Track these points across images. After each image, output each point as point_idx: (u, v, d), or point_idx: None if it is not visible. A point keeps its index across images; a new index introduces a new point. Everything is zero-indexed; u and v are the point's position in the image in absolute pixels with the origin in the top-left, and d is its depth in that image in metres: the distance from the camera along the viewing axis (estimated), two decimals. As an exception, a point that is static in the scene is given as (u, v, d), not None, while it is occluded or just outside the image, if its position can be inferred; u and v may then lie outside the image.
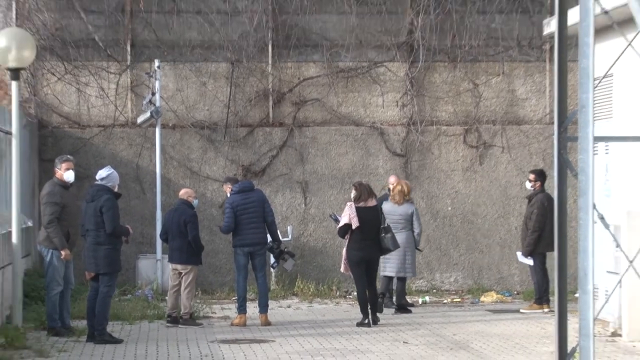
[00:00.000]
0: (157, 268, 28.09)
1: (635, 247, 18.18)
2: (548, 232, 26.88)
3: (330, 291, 29.63)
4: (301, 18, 31.57)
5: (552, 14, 21.26)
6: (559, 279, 17.90)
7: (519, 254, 29.79)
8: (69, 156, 25.47)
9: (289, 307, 29.36)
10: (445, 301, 30.83)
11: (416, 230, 29.18)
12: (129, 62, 30.86)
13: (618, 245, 20.05)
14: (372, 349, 22.50)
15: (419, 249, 29.78)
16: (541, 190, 28.82)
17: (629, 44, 17.61)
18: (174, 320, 26.08)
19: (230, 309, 27.88)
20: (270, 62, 31.11)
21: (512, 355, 21.74)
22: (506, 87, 33.27)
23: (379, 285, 29.48)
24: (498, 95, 32.26)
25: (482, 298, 31.00)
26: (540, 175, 28.87)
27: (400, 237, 27.99)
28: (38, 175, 27.20)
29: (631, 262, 16.94)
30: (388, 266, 29.01)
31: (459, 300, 31.13)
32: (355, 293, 28.05)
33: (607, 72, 18.64)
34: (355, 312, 26.95)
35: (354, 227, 26.10)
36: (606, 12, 17.85)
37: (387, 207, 28.45)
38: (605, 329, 23.04)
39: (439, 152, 31.66)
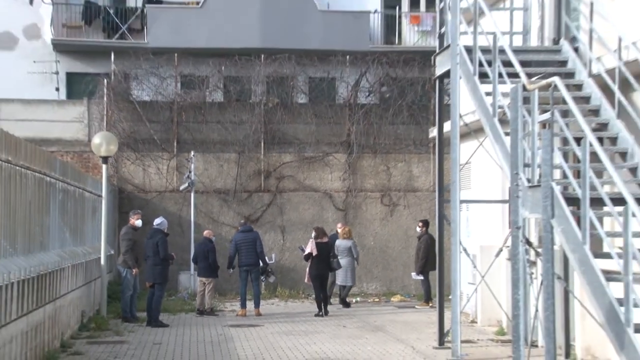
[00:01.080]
0: (190, 280, 28.42)
1: (485, 267, 20.05)
2: (431, 258, 26.53)
3: (298, 294, 30.24)
4: (282, 126, 32.58)
5: (434, 125, 22.65)
6: (439, 287, 19.93)
7: (413, 274, 29.46)
8: (138, 210, 26.46)
9: (272, 304, 29.14)
10: (369, 301, 30.37)
11: (355, 255, 28.76)
12: (175, 153, 31.64)
13: (475, 266, 20.80)
14: (324, 330, 23.06)
15: (357, 264, 29.65)
16: (426, 232, 28.96)
17: (480, 144, 19.30)
18: (201, 312, 26.65)
19: (235, 305, 27.71)
20: (262, 152, 31.82)
21: (411, 333, 22.07)
22: (407, 169, 33.10)
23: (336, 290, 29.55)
24: (402, 174, 33.06)
25: (392, 299, 30.73)
26: (426, 223, 29.18)
27: (344, 261, 27.89)
28: (118, 222, 27.86)
29: (483, 277, 18.80)
30: (338, 279, 28.95)
31: (377, 300, 30.69)
32: (314, 295, 27.75)
33: (467, 160, 20.55)
34: (314, 308, 27.06)
35: (314, 254, 26.60)
36: (467, 125, 19.65)
37: (337, 242, 28.31)
38: (467, 318, 23.38)
39: (365, 208, 32.30)
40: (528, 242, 14.91)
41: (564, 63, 17.37)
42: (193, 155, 31.55)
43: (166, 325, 23.52)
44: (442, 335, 19.32)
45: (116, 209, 28.99)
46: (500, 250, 19.50)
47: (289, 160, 32.81)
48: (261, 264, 27.18)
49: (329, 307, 27.34)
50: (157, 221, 25.18)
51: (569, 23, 17.92)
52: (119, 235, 26.46)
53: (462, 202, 19.95)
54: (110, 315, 25.19)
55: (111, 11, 39.53)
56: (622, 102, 15.28)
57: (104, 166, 26.61)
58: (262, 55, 34.85)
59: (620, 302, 11.21)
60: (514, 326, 14.56)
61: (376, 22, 41.19)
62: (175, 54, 34.90)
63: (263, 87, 34.05)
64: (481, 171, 22.37)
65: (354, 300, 29.80)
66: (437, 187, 20.58)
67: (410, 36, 40.72)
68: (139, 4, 39.88)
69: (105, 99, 33.07)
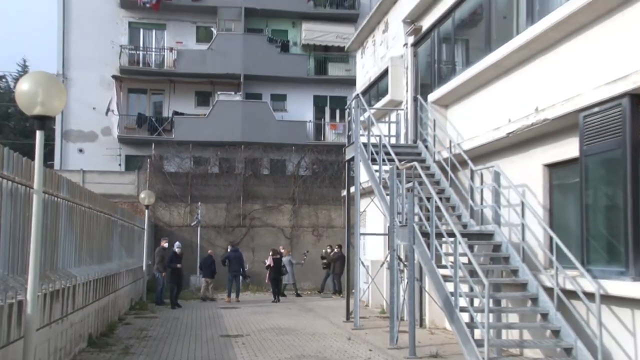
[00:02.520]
0: (197, 279, 27.89)
1: (374, 273, 20.11)
2: (342, 269, 25.73)
3: (262, 289, 29.25)
4: (253, 188, 32.05)
5: (344, 188, 22.51)
6: (347, 284, 19.48)
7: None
8: (165, 237, 26.26)
9: (246, 295, 27.65)
10: (307, 294, 29.26)
11: (294, 264, 28.17)
12: (188, 203, 30.94)
13: (368, 272, 20.59)
14: (277, 311, 22.24)
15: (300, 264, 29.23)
16: (340, 252, 27.06)
17: (372, 201, 19.18)
18: (203, 299, 25.84)
19: (224, 295, 26.30)
20: (241, 203, 31.24)
21: (329, 313, 21.42)
22: (328, 214, 32.59)
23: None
24: (325, 217, 32.40)
25: (323, 295, 28.88)
26: (340, 246, 27.40)
27: (289, 268, 27.48)
28: (153, 244, 27.53)
29: (372, 279, 18.63)
30: (286, 279, 27.63)
31: (309, 293, 29.52)
32: (272, 290, 26.53)
33: (364, 210, 20.45)
34: (271, 297, 26.12)
35: (271, 265, 26.20)
36: (364, 188, 19.66)
37: (284, 258, 27.25)
38: (363, 304, 21.85)
39: (303, 237, 31.54)
40: (399, 258, 15.23)
41: (419, 154, 17.40)
42: (199, 205, 31.33)
43: (180, 307, 23.14)
44: (348, 313, 19.29)
45: (152, 236, 28.53)
46: (383, 263, 19.31)
47: (257, 208, 32.37)
48: (243, 271, 26.82)
49: (283, 298, 26.80)
50: (177, 244, 25.04)
51: (421, 131, 18.12)
52: (154, 252, 26.02)
53: (361, 234, 20.14)
54: (148, 301, 24.67)
55: (153, 119, 39.51)
56: (452, 177, 15.73)
57: (146, 211, 26.43)
58: (242, 146, 34.88)
59: (452, 294, 11.61)
60: (391, 308, 14.76)
61: (310, 127, 41.09)
62: (190, 144, 34.59)
63: (242, 165, 33.98)
64: (372, 216, 21.85)
65: (298, 293, 28.81)
66: (346, 225, 20.70)
67: (330, 136, 40.70)
68: (170, 115, 39.70)
69: (147, 170, 32.82)
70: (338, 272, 27.99)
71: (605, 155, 10.55)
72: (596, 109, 10.63)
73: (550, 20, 11.84)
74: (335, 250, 28.59)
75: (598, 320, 10.25)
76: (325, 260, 29.33)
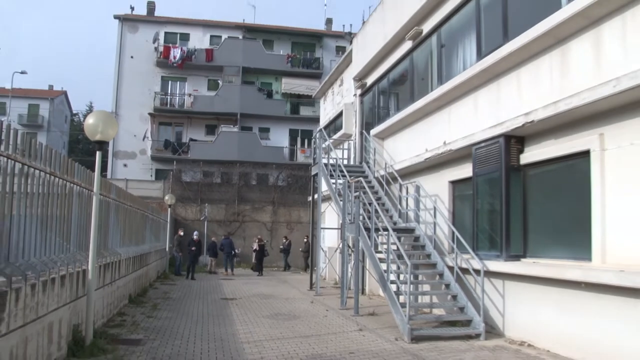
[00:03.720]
0: (206, 259, 27.23)
1: (330, 255, 20.10)
2: (309, 252, 24.23)
3: (249, 266, 28.23)
4: (245, 194, 32.22)
5: (310, 195, 22.37)
6: (311, 264, 19.15)
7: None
8: (182, 227, 26.49)
9: (239, 270, 27.08)
10: (282, 271, 27.78)
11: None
12: (199, 203, 30.43)
13: (326, 255, 20.83)
14: (261, 282, 21.66)
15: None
16: (308, 241, 26.20)
17: (329, 205, 19.04)
18: (209, 272, 25.57)
19: (223, 270, 25.74)
20: (236, 205, 30.77)
21: (298, 283, 21.10)
22: (298, 214, 32.27)
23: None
24: (296, 216, 32.24)
25: (292, 271, 28.40)
26: (307, 237, 26.21)
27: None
28: (173, 233, 27.32)
29: (329, 260, 18.47)
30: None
31: (284, 270, 28.33)
32: (257, 267, 25.73)
33: (324, 211, 20.54)
34: (256, 274, 25.52)
35: (257, 249, 26.01)
36: (324, 195, 19.60)
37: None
38: (322, 277, 21.91)
39: (280, 230, 31.22)
40: (348, 246, 15.35)
41: (364, 172, 17.35)
42: (206, 205, 31.25)
43: (194, 279, 22.65)
44: (311, 284, 19.15)
45: (172, 227, 28.17)
46: (337, 249, 19.28)
47: (248, 208, 32.16)
48: (233, 252, 26.73)
49: (265, 273, 26.42)
50: (195, 234, 24.78)
51: (365, 156, 18.21)
52: (174, 238, 25.70)
53: (321, 228, 20.21)
54: (170, 273, 24.55)
55: (175, 144, 39.85)
56: (386, 189, 15.93)
57: (169, 209, 26.54)
58: (238, 164, 34.96)
59: (385, 271, 11.82)
60: (342, 280, 14.80)
61: (286, 151, 41.44)
62: (201, 162, 34.65)
63: (237, 177, 33.87)
64: (330, 215, 21.58)
65: (287, 269, 28.81)
66: (311, 222, 20.79)
67: (301, 158, 40.83)
68: (187, 141, 40.04)
69: (170, 180, 32.73)
70: (305, 255, 27.36)
71: (488, 176, 10.79)
72: (483, 144, 10.93)
73: (453, 82, 12.18)
74: (305, 239, 28.02)
75: (482, 287, 10.56)
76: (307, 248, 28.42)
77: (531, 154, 10.09)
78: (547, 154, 9.63)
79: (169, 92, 41.67)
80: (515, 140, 10.29)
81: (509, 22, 10.51)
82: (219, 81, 41.79)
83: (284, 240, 29.48)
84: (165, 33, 42.57)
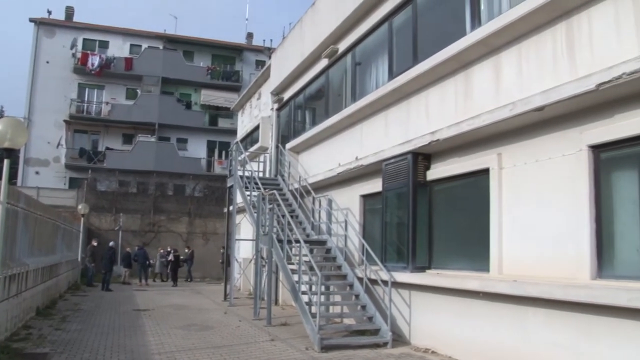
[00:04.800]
0: (120, 269, 26.75)
1: (244, 266, 19.88)
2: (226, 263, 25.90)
3: (155, 276, 28.00)
4: (161, 204, 31.71)
5: (227, 206, 22.07)
6: (225, 275, 18.87)
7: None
8: (95, 237, 25.46)
9: (153, 281, 26.42)
10: (196, 281, 27.48)
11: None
12: (114, 213, 29.80)
13: (240, 266, 20.47)
14: (175, 292, 21.50)
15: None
16: (224, 251, 25.51)
17: (244, 216, 18.64)
18: (123, 283, 24.61)
19: (137, 281, 25.38)
20: (152, 214, 30.42)
21: (213, 294, 20.87)
22: (214, 224, 31.66)
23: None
24: (212, 226, 31.60)
25: (206, 281, 28.09)
26: (224, 247, 25.36)
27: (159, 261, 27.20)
28: (86, 243, 26.11)
29: (243, 270, 18.24)
30: (157, 268, 27.50)
31: (199, 281, 27.99)
32: (172, 277, 26.04)
33: (239, 222, 20.36)
34: (172, 283, 25.54)
35: (172, 260, 25.88)
36: (239, 206, 19.38)
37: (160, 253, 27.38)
38: (237, 288, 21.24)
39: (196, 241, 30.58)
40: (262, 257, 15.28)
41: (278, 185, 17.38)
42: (121, 215, 30.37)
43: (111, 290, 21.71)
44: (225, 294, 18.80)
45: (85, 237, 27.21)
46: (251, 260, 18.82)
47: (163, 219, 31.45)
48: (148, 262, 26.23)
49: (180, 284, 25.91)
50: (111, 244, 24.19)
51: (281, 169, 18.23)
52: (87, 248, 24.58)
53: (236, 239, 20.08)
54: (82, 283, 23.63)
55: (91, 152, 38.55)
56: (300, 201, 15.96)
57: (82, 218, 25.57)
58: (154, 174, 34.41)
59: (296, 282, 11.82)
60: (255, 291, 14.61)
61: (204, 162, 40.89)
62: (117, 171, 33.89)
63: (154, 187, 33.32)
64: (245, 227, 21.35)
65: (188, 280, 27.94)
66: (227, 233, 20.60)
67: (218, 169, 40.38)
68: (103, 149, 38.75)
69: (85, 189, 31.56)
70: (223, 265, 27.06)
71: (397, 191, 11.05)
72: (392, 160, 11.19)
73: (365, 100, 12.43)
74: (222, 250, 27.55)
75: (389, 298, 10.76)
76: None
77: (437, 171, 10.43)
78: (451, 170, 9.99)
79: (86, 99, 40.32)
80: (423, 157, 10.61)
81: (419, 45, 10.86)
82: (138, 90, 40.89)
83: (187, 250, 28.68)
84: (84, 39, 41.18)
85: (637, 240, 6.56)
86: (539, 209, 7.89)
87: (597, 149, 7.10)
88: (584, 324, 6.77)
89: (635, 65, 6.10)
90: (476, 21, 9.15)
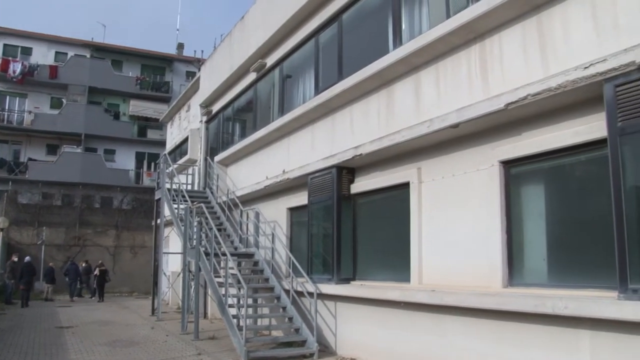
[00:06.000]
0: (42, 285, 25.87)
1: (173, 280, 19.59)
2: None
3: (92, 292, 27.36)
4: (87, 217, 30.84)
5: (154, 219, 21.83)
6: (153, 288, 18.54)
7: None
8: (16, 252, 24.35)
9: (82, 297, 25.57)
10: (124, 295, 27.28)
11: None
12: (36, 227, 28.72)
13: (169, 280, 20.11)
14: (101, 308, 21.08)
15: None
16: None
17: (172, 229, 18.44)
18: (45, 300, 23.71)
19: (60, 298, 24.63)
20: (77, 228, 29.65)
21: (140, 309, 20.49)
22: (142, 237, 30.74)
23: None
24: (141, 240, 30.97)
25: (134, 295, 27.73)
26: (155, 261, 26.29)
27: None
28: (6, 258, 25.40)
29: (172, 284, 17.94)
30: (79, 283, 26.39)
31: (127, 295, 27.62)
32: (98, 293, 25.00)
33: (167, 235, 20.02)
34: (98, 298, 24.94)
35: (97, 274, 25.12)
36: (167, 219, 19.00)
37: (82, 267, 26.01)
38: (165, 302, 21.20)
39: (124, 255, 30.27)
40: (190, 271, 15.09)
41: (207, 197, 17.25)
42: (44, 229, 29.29)
43: (28, 306, 21.08)
44: (153, 309, 18.50)
45: (5, 252, 26.15)
46: (179, 273, 18.59)
47: (89, 232, 30.49)
48: (78, 278, 25.52)
49: (107, 299, 25.15)
50: (27, 259, 23.16)
51: (209, 181, 18.07)
52: (6, 264, 23.50)
53: (164, 253, 19.71)
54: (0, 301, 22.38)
55: (12, 163, 36.54)
56: (228, 214, 15.90)
57: (0, 233, 24.64)
58: (80, 186, 33.37)
59: (224, 295, 11.77)
60: (182, 305, 14.50)
61: (132, 174, 39.79)
62: (40, 183, 32.64)
63: (80, 200, 32.39)
64: (173, 240, 20.81)
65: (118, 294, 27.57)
66: (154, 246, 20.31)
67: (147, 181, 39.38)
68: (26, 160, 36.91)
69: (5, 202, 30.06)
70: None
71: (322, 204, 11.21)
72: (318, 174, 11.36)
73: (293, 114, 12.54)
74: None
75: (315, 309, 10.87)
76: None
77: (360, 184, 10.66)
78: (374, 184, 10.24)
79: (7, 107, 38.50)
80: (347, 171, 10.82)
81: (344, 61, 11.10)
82: (63, 100, 39.34)
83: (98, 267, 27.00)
84: (5, 45, 39.34)
85: (543, 250, 6.93)
86: (456, 221, 8.19)
87: (508, 165, 7.46)
88: (496, 330, 7.06)
89: (539, 87, 6.48)
90: (398, 40, 9.44)
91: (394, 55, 9.17)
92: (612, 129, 5.74)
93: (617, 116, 5.68)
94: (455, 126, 7.81)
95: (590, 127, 6.23)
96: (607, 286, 5.90)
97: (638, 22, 5.68)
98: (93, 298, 25.88)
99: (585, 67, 5.94)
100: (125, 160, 40.44)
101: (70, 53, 40.61)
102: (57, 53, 40.64)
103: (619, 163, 5.65)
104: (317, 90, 11.91)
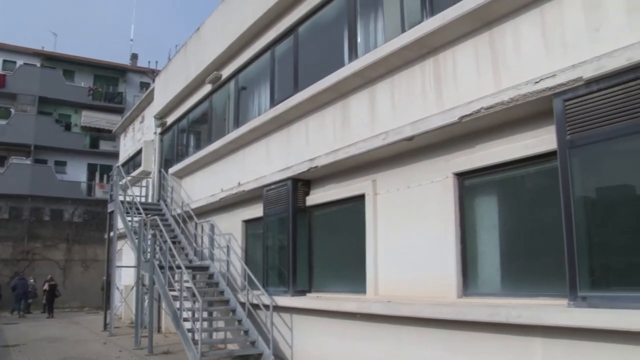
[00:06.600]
0: None
1: (126, 294, 19.20)
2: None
3: (41, 308, 26.77)
4: (37, 230, 29.85)
5: (107, 232, 21.62)
6: (105, 303, 18.10)
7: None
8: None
9: (30, 313, 24.34)
10: (74, 310, 26.63)
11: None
12: None
13: (122, 294, 19.91)
14: (52, 324, 20.49)
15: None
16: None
17: (125, 242, 18.13)
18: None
19: (6, 314, 23.86)
20: (26, 242, 28.82)
21: (91, 324, 20.06)
22: (94, 250, 30.12)
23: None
24: (92, 253, 30.17)
25: (85, 310, 27.01)
26: (107, 275, 23.79)
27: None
28: None
29: (125, 298, 17.54)
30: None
31: (77, 310, 26.95)
32: (47, 308, 24.55)
33: (120, 248, 19.67)
34: (47, 314, 24.33)
35: (47, 289, 24.54)
36: (120, 232, 18.58)
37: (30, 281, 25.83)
38: (118, 317, 20.64)
39: (75, 269, 29.50)
40: (143, 284, 14.81)
41: (161, 210, 17.02)
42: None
43: None
44: (105, 324, 17.98)
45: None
46: (132, 287, 18.11)
47: (39, 246, 29.55)
48: (26, 294, 24.65)
49: (56, 314, 24.47)
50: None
51: (163, 194, 17.93)
52: None
53: (117, 266, 19.33)
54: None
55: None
56: (183, 227, 15.72)
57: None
58: (29, 198, 32.41)
59: (178, 309, 11.56)
60: (136, 319, 14.20)
61: (84, 186, 39.02)
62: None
63: (28, 212, 31.47)
64: (126, 253, 20.40)
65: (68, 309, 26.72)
66: (107, 259, 19.89)
67: (99, 193, 38.61)
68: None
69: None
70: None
71: (278, 216, 11.16)
72: (273, 186, 11.32)
73: (248, 126, 12.51)
74: (104, 278, 26.49)
75: (271, 322, 10.72)
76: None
77: (316, 196, 10.66)
78: (329, 196, 10.23)
79: (-50, 117, 37.33)
80: (302, 183, 10.81)
81: (300, 74, 11.10)
82: (12, 109, 38.29)
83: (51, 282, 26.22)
84: (-52, 52, 38.26)
85: (496, 260, 7.02)
86: (412, 232, 8.22)
87: (462, 177, 7.54)
88: (452, 339, 7.10)
89: (492, 100, 6.60)
90: (353, 53, 9.48)
91: (349, 68, 9.22)
92: (561, 142, 5.87)
93: (566, 129, 5.81)
94: (410, 139, 7.87)
95: (541, 139, 6.35)
96: (558, 294, 6.02)
97: (584, 40, 5.86)
98: (42, 314, 25.10)
99: (536, 82, 6.08)
100: (77, 172, 39.52)
101: (20, 62, 39.58)
102: (5, 61, 39.60)
103: (568, 175, 5.77)
104: (273, 103, 11.89)
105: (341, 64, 9.60)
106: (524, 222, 6.75)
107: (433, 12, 7.70)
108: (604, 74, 5.45)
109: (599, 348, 5.39)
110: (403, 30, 8.25)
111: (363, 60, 8.86)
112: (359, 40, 9.54)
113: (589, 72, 5.57)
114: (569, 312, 5.55)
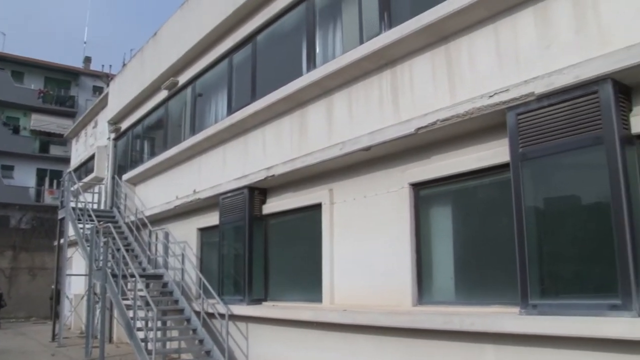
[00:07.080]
0: None
1: (76, 303, 18.71)
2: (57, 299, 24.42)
3: None
4: None
5: (57, 239, 21.20)
6: (54, 312, 17.54)
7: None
8: None
9: None
10: (21, 321, 25.23)
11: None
12: None
13: (71, 303, 19.33)
14: (1, 336, 20.75)
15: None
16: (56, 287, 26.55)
17: (76, 250, 17.69)
18: None
19: None
20: None
21: (39, 334, 19.28)
22: (41, 258, 28.49)
23: None
24: (40, 261, 28.53)
25: (32, 320, 25.86)
26: (56, 283, 22.93)
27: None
28: None
29: (74, 308, 17.08)
30: None
31: (23, 320, 25.59)
32: None
33: (71, 256, 19.20)
34: None
35: None
36: (70, 239, 18.20)
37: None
38: (67, 327, 19.71)
39: (21, 277, 28.04)
40: (95, 293, 14.49)
41: (114, 217, 16.64)
42: None
43: None
44: (54, 334, 17.49)
45: None
46: (83, 296, 17.93)
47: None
48: None
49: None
50: None
51: (117, 201, 17.52)
52: None
53: (67, 275, 18.83)
54: None
55: None
56: (136, 234, 15.42)
57: None
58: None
59: (132, 318, 11.36)
60: (86, 329, 13.98)
61: (32, 192, 37.95)
62: None
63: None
64: (77, 261, 19.63)
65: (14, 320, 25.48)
66: (57, 267, 19.41)
67: (48, 199, 37.54)
68: None
69: None
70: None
71: (233, 224, 11.12)
72: (229, 194, 11.27)
73: (204, 134, 12.46)
74: (53, 286, 25.64)
75: (226, 331, 10.67)
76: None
77: (273, 205, 10.66)
78: (286, 205, 10.25)
79: None
80: (259, 191, 10.81)
81: (258, 82, 11.11)
82: (-45, 111, 37.13)
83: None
84: None
85: (451, 269, 7.15)
86: (368, 241, 8.29)
87: (417, 187, 7.65)
88: (407, 347, 7.17)
89: (447, 113, 6.74)
90: (311, 63, 9.54)
91: (307, 78, 9.28)
92: (514, 155, 6.04)
93: (519, 142, 5.98)
94: (367, 149, 7.95)
95: (495, 152, 6.51)
96: (510, 302, 6.18)
97: (536, 56, 6.07)
98: None
99: (490, 96, 6.25)
100: (25, 176, 38.34)
101: (-35, 62, 38.34)
102: (-53, 61, 38.30)
103: (520, 186, 5.94)
104: (230, 110, 11.85)
105: (299, 74, 9.65)
106: (478, 232, 6.90)
107: (391, 25, 7.82)
108: (554, 90, 5.65)
109: (547, 354, 5.54)
110: (361, 42, 8.36)
111: (321, 70, 8.93)
112: (317, 50, 9.60)
113: (540, 88, 5.76)
114: (520, 320, 5.69)
